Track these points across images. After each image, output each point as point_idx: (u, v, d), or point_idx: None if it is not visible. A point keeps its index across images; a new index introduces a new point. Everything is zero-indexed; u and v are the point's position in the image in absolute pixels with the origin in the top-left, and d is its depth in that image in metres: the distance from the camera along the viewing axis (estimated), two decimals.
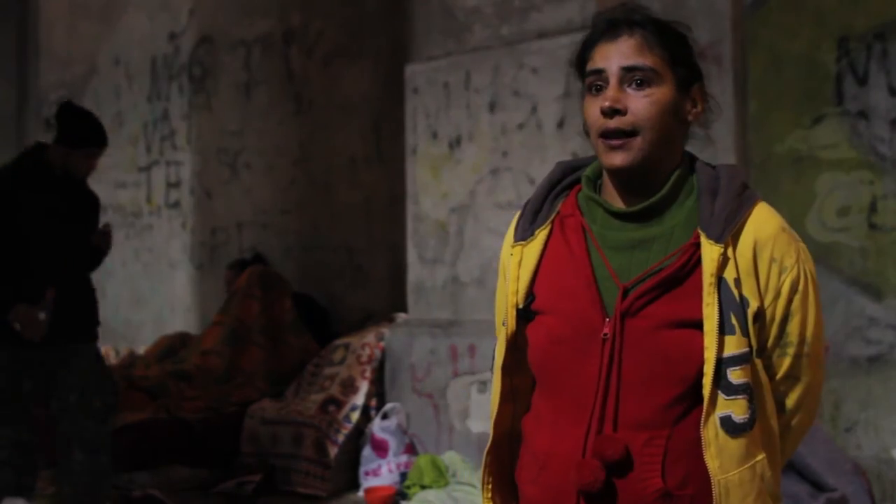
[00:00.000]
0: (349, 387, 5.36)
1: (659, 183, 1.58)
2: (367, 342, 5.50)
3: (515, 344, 1.65)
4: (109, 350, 7.03)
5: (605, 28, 1.58)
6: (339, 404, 5.30)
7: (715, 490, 1.48)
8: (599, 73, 1.56)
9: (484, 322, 4.77)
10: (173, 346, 6.72)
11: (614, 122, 1.53)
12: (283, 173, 6.99)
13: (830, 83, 4.11)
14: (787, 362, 1.58)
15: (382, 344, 5.46)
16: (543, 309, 1.60)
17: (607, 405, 1.52)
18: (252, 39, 7.22)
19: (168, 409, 5.61)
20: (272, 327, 6.22)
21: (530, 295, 1.62)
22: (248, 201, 7.24)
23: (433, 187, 5.35)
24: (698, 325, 1.50)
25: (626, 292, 1.53)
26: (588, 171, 1.66)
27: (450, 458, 4.93)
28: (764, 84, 4.28)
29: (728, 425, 1.48)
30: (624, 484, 1.50)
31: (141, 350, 7.08)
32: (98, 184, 4.78)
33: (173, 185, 7.90)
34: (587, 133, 1.60)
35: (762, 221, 1.55)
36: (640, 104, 1.53)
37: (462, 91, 5.25)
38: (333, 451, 5.09)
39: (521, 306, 1.62)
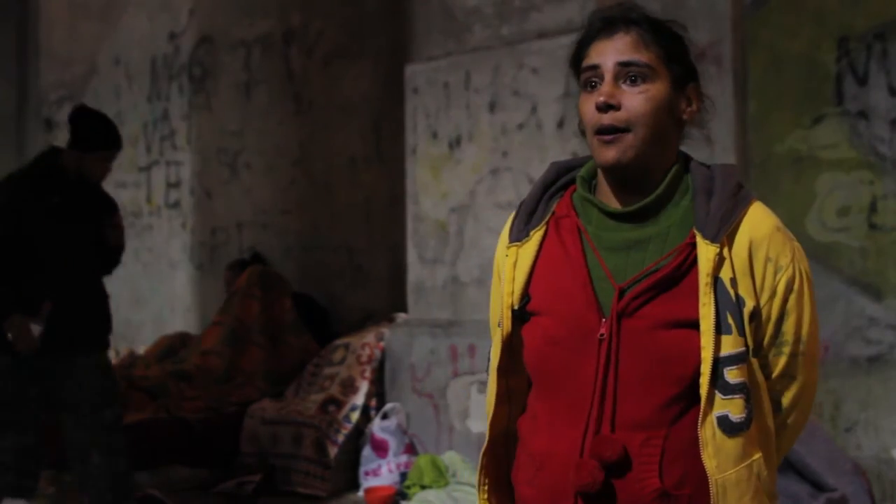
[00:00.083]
0: (349, 387, 5.36)
1: (654, 182, 1.58)
2: (367, 342, 5.50)
3: (511, 345, 1.65)
4: (110, 350, 7.02)
5: (602, 26, 1.58)
6: (339, 404, 5.30)
7: (712, 489, 1.49)
8: (595, 68, 1.56)
9: (484, 322, 4.74)
10: (173, 346, 6.72)
11: (608, 118, 1.53)
12: (283, 173, 6.99)
13: (830, 83, 4.11)
14: (782, 361, 1.58)
15: (382, 344, 5.46)
16: (539, 310, 1.60)
17: (604, 406, 1.52)
18: (252, 39, 7.22)
19: (168, 409, 5.60)
20: (272, 327, 6.22)
21: (525, 296, 1.62)
22: (248, 201, 7.24)
23: (433, 187, 5.35)
24: (695, 325, 1.50)
25: (622, 293, 1.53)
26: (582, 171, 1.66)
27: (450, 458, 4.93)
28: (764, 84, 4.28)
29: (725, 425, 1.49)
30: (622, 484, 1.50)
31: (141, 350, 7.08)
32: None
33: (173, 185, 7.90)
34: (583, 133, 1.60)
35: (757, 221, 1.56)
36: (635, 100, 1.53)
37: (462, 91, 5.25)
38: (333, 451, 5.09)
39: (516, 307, 1.62)
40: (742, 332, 1.50)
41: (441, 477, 4.81)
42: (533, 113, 4.98)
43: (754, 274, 1.53)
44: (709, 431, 1.49)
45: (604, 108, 1.53)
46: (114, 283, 7.97)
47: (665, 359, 1.51)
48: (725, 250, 1.51)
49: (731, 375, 1.49)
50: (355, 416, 5.26)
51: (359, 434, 5.21)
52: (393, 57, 6.07)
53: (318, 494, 5.04)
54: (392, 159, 6.14)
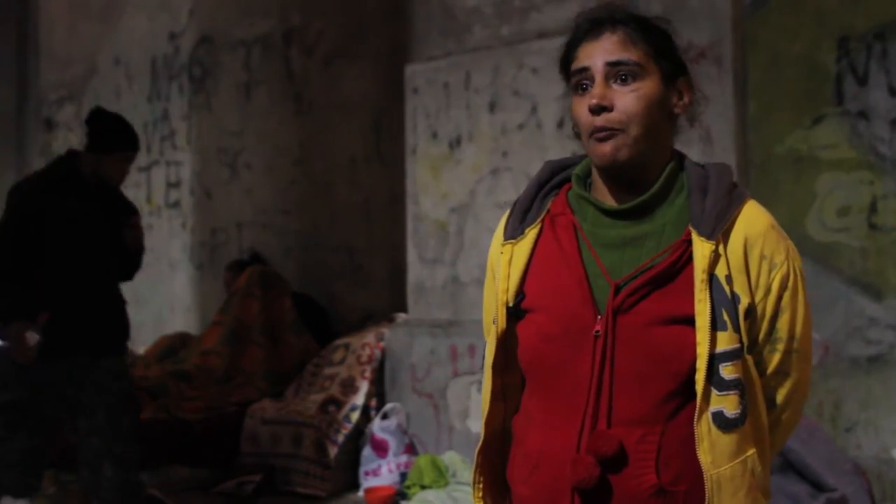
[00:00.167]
0: (349, 387, 5.36)
1: (649, 179, 1.58)
2: (367, 342, 5.50)
3: (506, 343, 1.65)
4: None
5: (588, 27, 1.59)
6: (339, 404, 5.30)
7: (707, 485, 1.49)
8: (584, 71, 1.57)
9: None
10: (173, 347, 6.71)
11: (601, 120, 1.54)
12: (283, 173, 6.99)
13: (830, 83, 4.11)
14: (776, 358, 1.59)
15: (382, 344, 5.46)
16: (534, 307, 1.61)
17: (601, 402, 1.52)
18: (252, 39, 7.22)
19: (168, 409, 5.60)
20: (272, 327, 6.21)
21: (520, 293, 1.62)
22: (248, 201, 7.23)
23: (433, 187, 5.35)
24: (690, 322, 1.50)
25: (617, 289, 1.54)
26: (577, 169, 1.67)
27: (450, 458, 4.93)
28: (764, 84, 4.28)
29: (720, 421, 1.49)
30: (618, 480, 1.50)
31: (141, 350, 7.07)
32: None
33: (173, 185, 7.90)
34: (577, 135, 1.61)
35: (752, 219, 1.56)
36: (627, 100, 1.54)
37: (462, 91, 5.25)
38: (333, 451, 5.09)
39: (511, 304, 1.63)
40: (737, 329, 1.51)
41: (441, 477, 4.81)
42: (533, 113, 4.98)
43: (749, 271, 1.54)
44: (704, 427, 1.49)
45: (596, 110, 1.54)
46: None
47: (661, 355, 1.51)
48: (721, 247, 1.52)
49: (727, 372, 1.49)
50: (355, 416, 5.26)
51: (359, 434, 5.21)
52: (393, 57, 6.07)
53: (318, 494, 5.04)
54: (392, 159, 6.14)
